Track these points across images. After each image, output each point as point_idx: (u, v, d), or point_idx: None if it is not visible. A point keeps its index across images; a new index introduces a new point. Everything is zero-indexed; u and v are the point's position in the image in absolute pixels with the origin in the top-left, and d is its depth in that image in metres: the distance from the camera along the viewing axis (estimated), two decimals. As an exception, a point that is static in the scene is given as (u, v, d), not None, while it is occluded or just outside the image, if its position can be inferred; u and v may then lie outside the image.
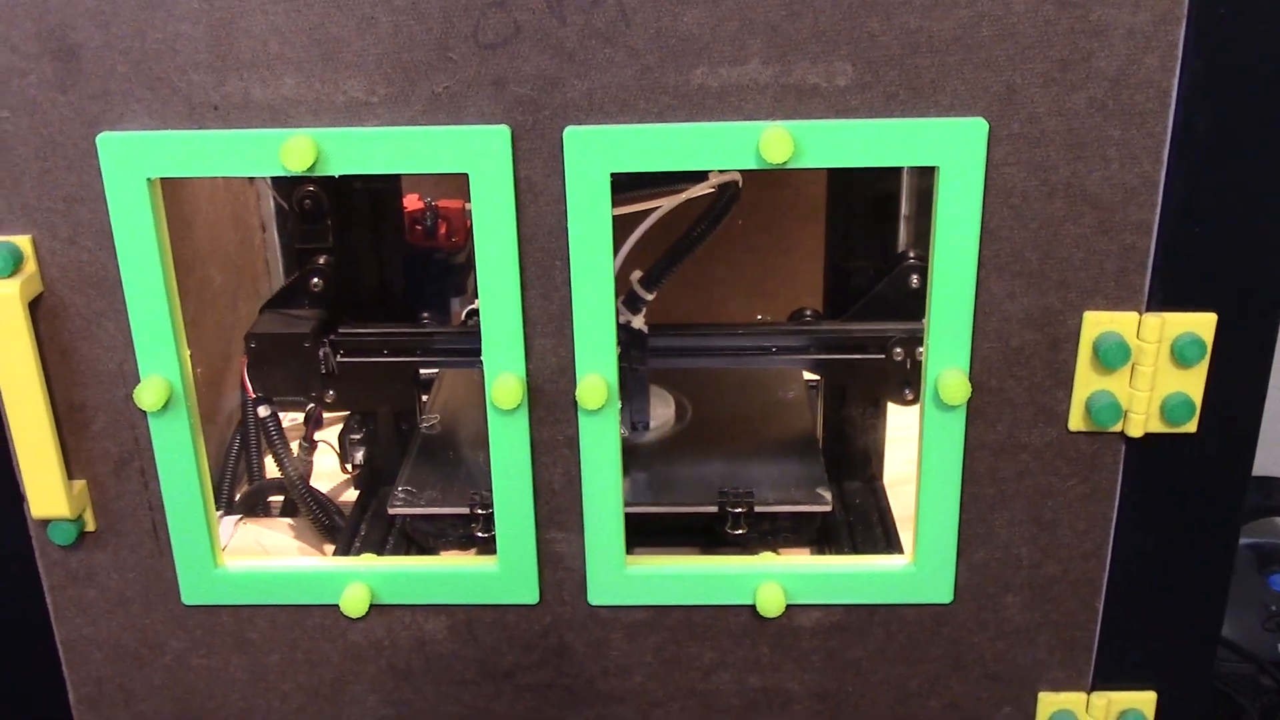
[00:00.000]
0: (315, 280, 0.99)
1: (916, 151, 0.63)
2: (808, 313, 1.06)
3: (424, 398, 1.05)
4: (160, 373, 0.68)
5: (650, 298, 0.86)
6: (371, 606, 0.74)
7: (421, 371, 1.00)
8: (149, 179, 0.65)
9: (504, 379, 0.68)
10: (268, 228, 1.25)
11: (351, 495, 1.03)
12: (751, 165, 0.63)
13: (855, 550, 0.91)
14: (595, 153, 0.64)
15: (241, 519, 1.06)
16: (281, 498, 1.08)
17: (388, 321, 1.01)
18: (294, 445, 1.05)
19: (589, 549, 0.73)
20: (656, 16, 0.61)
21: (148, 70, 0.63)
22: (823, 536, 0.93)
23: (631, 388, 0.89)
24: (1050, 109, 0.62)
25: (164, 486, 0.71)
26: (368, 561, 0.77)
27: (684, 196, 0.82)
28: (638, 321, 0.87)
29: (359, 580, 0.73)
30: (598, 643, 0.76)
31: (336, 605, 0.73)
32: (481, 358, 0.68)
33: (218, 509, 1.02)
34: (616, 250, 0.83)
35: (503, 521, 0.72)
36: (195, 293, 1.08)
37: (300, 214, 1.00)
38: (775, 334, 0.98)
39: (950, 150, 0.63)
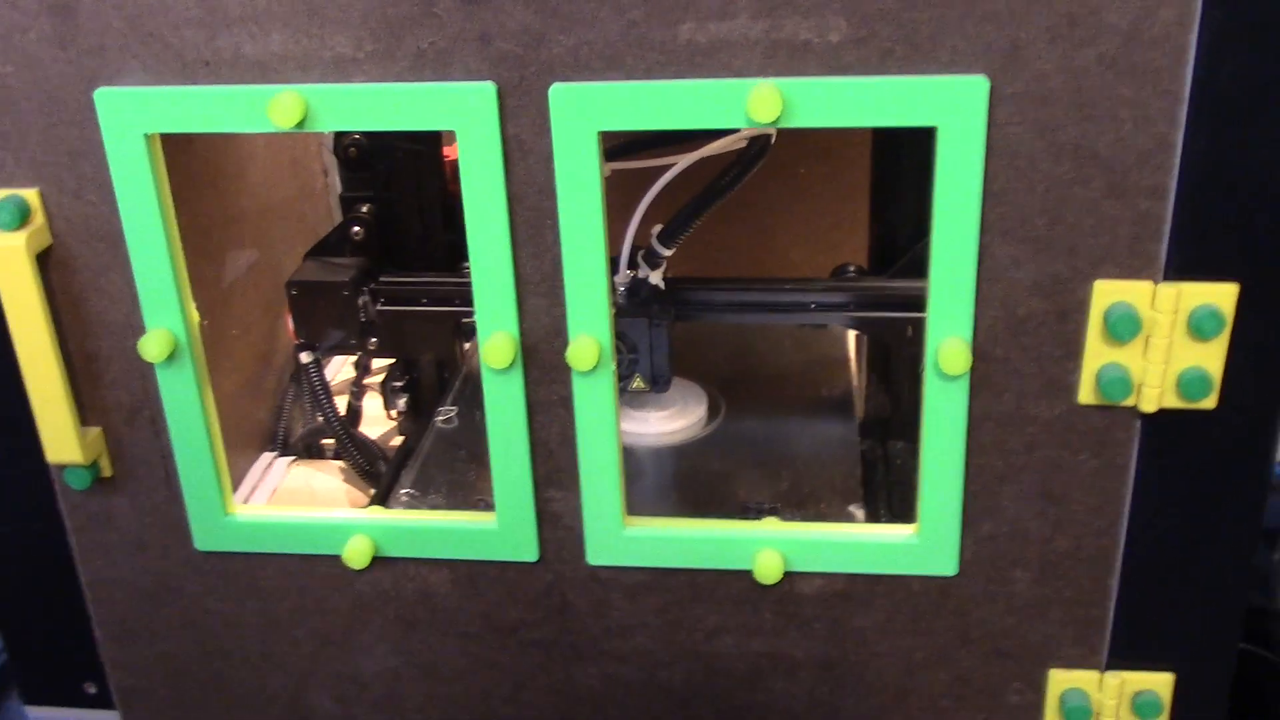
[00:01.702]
0: (356, 229, 1.00)
1: (914, 111, 0.61)
2: (851, 269, 1.04)
3: (465, 346, 1.06)
4: (164, 325, 0.70)
5: (668, 253, 0.85)
6: (376, 558, 0.75)
7: (465, 320, 0.99)
8: (146, 134, 0.65)
9: (496, 338, 0.68)
10: (329, 173, 1.27)
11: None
12: (741, 124, 0.61)
13: (894, 513, 0.88)
14: (582, 110, 0.62)
15: (295, 461, 1.08)
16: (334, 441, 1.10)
17: (429, 270, 1.02)
18: (346, 390, 1.08)
19: (585, 509, 0.72)
20: (642, -30, 0.60)
21: (141, 26, 0.64)
22: (865, 496, 0.90)
23: (654, 341, 0.88)
24: (1057, 66, 0.59)
25: (173, 435, 0.73)
26: (371, 514, 0.78)
27: (704, 152, 0.80)
28: (655, 277, 0.85)
29: (362, 533, 0.74)
30: (599, 602, 0.76)
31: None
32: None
33: (273, 450, 1.05)
34: (636, 206, 0.82)
35: (499, 480, 0.72)
36: (253, 242, 1.09)
37: (345, 162, 1.01)
38: (815, 290, 0.95)
39: (950, 110, 0.60)
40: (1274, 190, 0.60)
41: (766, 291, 0.92)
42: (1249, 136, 0.59)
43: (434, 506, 0.85)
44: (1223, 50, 0.58)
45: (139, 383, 0.73)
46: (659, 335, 0.87)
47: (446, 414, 0.98)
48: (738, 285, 0.93)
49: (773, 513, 0.82)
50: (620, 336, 0.85)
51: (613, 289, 0.86)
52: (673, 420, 0.95)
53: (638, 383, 0.87)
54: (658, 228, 0.85)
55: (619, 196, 0.89)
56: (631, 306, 0.87)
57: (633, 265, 0.86)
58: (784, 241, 1.17)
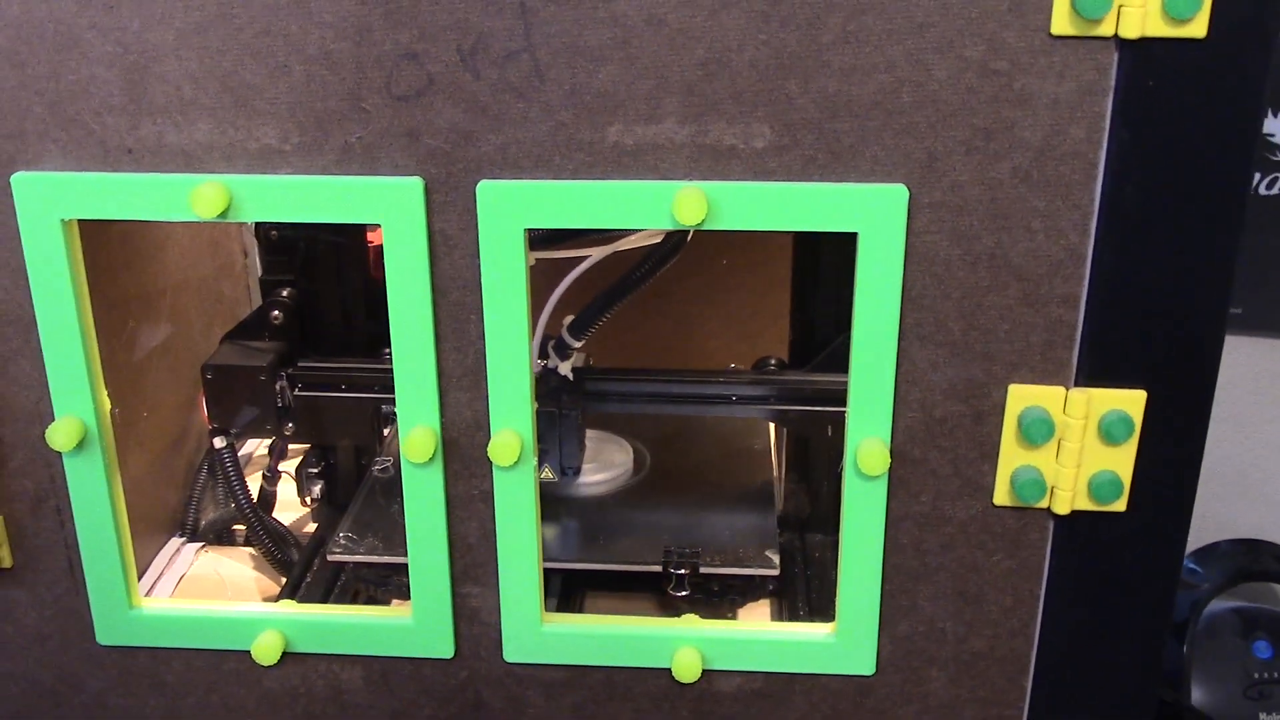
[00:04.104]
0: (276, 313, 0.99)
1: (836, 217, 0.62)
2: (772, 361, 1.05)
3: (385, 432, 1.05)
4: (74, 413, 0.68)
5: (578, 345, 0.85)
6: (287, 654, 0.73)
7: (385, 408, 0.99)
8: (63, 220, 0.64)
9: (417, 431, 0.67)
10: (250, 254, 1.25)
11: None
12: (666, 225, 0.62)
13: (811, 608, 0.89)
14: (509, 207, 0.63)
15: (203, 547, 1.05)
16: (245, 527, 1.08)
17: (349, 356, 1.01)
18: (259, 475, 1.05)
19: (504, 606, 0.71)
20: (571, 73, 0.60)
21: (62, 112, 0.63)
22: (781, 591, 0.91)
23: (562, 432, 0.88)
24: (973, 178, 0.61)
25: (79, 526, 0.71)
26: (282, 608, 0.76)
27: (619, 245, 0.81)
28: (565, 368, 0.85)
29: (272, 627, 0.73)
30: (515, 700, 0.74)
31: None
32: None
33: (182, 536, 1.02)
34: (548, 298, 0.83)
35: (417, 575, 0.71)
36: (167, 319, 1.08)
37: (266, 245, 1.00)
38: (735, 383, 0.96)
39: (870, 217, 0.62)
40: (1178, 301, 0.62)
41: (683, 383, 0.92)
42: (1155, 249, 0.61)
43: (371, 550, 0.86)
44: (1130, 167, 0.60)
45: (45, 471, 0.71)
46: (568, 426, 0.87)
47: (383, 463, 0.99)
48: (654, 376, 0.94)
49: (693, 557, 0.85)
50: None
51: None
52: (597, 472, 0.96)
53: (546, 473, 0.88)
54: (569, 319, 0.85)
55: (531, 285, 0.90)
56: (541, 397, 0.87)
57: (543, 355, 0.86)
58: (705, 332, 1.18)
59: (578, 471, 0.87)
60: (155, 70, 0.62)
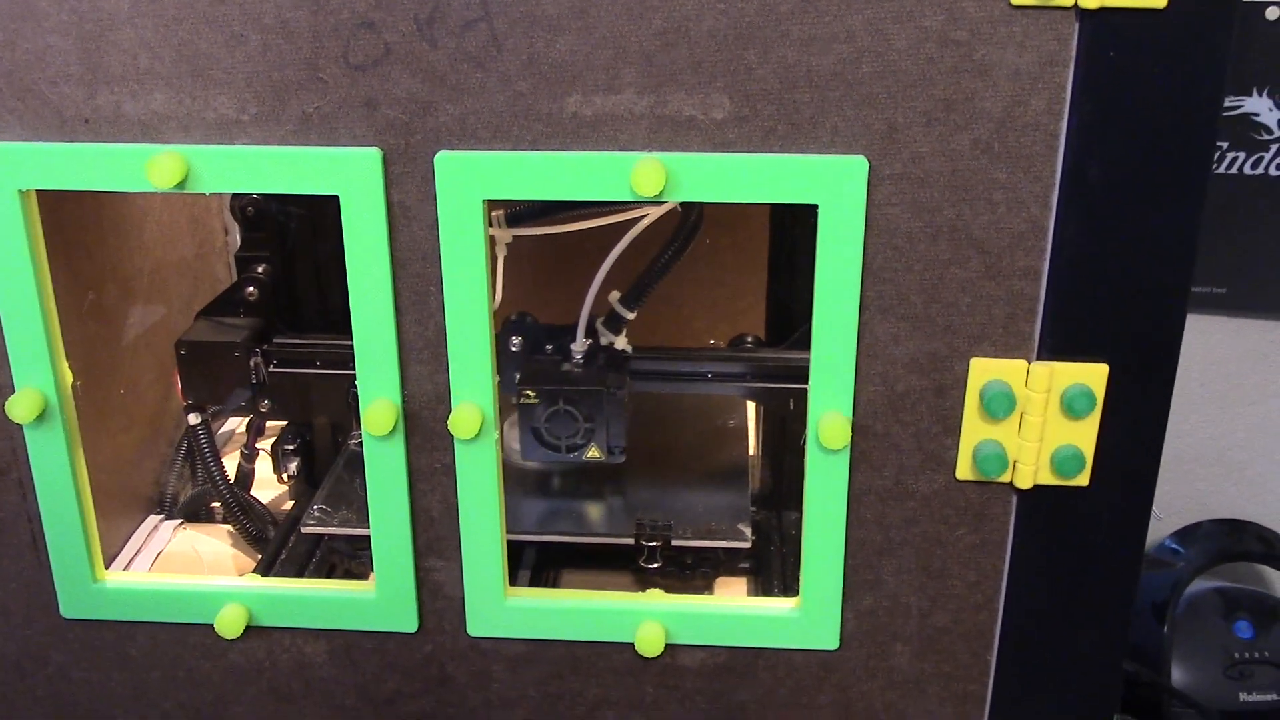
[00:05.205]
0: (251, 289, 0.99)
1: (795, 189, 0.62)
2: (749, 339, 1.05)
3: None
4: (34, 385, 0.68)
5: (632, 316, 0.85)
6: (251, 628, 0.73)
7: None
8: (20, 190, 0.64)
9: (377, 404, 0.67)
10: (230, 232, 1.25)
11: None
12: (625, 196, 0.62)
13: (786, 585, 0.89)
14: (467, 178, 0.62)
15: (181, 524, 1.05)
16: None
17: (325, 333, 1.00)
18: (237, 453, 1.05)
19: (467, 579, 0.71)
20: (529, 43, 0.60)
21: (18, 81, 0.63)
22: (756, 568, 0.91)
23: (609, 411, 0.87)
24: (934, 149, 0.61)
25: (41, 498, 0.71)
26: (246, 582, 0.76)
27: (651, 218, 0.81)
28: (620, 341, 0.85)
29: (236, 601, 0.72)
30: (479, 673, 0.74)
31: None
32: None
33: (160, 513, 1.02)
34: (595, 273, 0.83)
35: (380, 548, 0.71)
36: (145, 298, 1.07)
37: (242, 222, 1.00)
38: (711, 360, 0.96)
39: (830, 189, 0.61)
40: (1140, 274, 0.62)
41: (661, 360, 0.92)
42: (1117, 221, 0.61)
43: (345, 523, 0.86)
44: (1091, 138, 0.60)
45: (7, 443, 0.70)
46: (614, 405, 0.86)
47: (359, 438, 0.98)
48: (645, 355, 0.94)
49: (666, 530, 0.85)
50: (574, 405, 0.85)
51: (523, 355, 0.87)
52: None
53: (594, 452, 0.87)
54: (615, 293, 0.85)
55: (554, 263, 0.90)
56: (588, 377, 0.86)
57: (588, 334, 0.87)
58: (686, 312, 1.18)
59: (623, 451, 0.86)
60: (110, 39, 0.61)
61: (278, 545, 0.95)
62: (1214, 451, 1.31)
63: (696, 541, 0.86)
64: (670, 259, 0.86)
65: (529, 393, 0.84)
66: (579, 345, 0.86)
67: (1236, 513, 1.31)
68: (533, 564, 0.87)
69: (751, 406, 1.08)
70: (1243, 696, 1.16)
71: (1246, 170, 1.19)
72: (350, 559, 0.90)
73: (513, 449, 0.94)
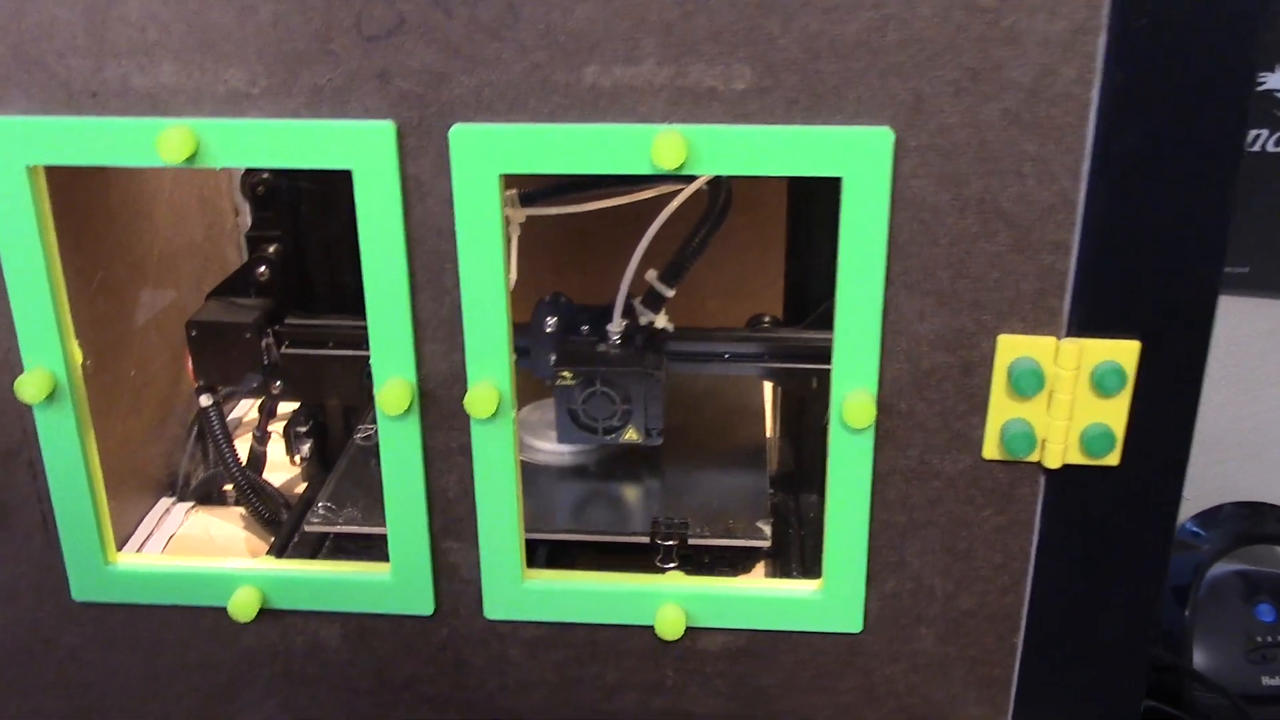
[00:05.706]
0: (262, 269, 0.97)
1: (819, 161, 0.60)
2: (766, 319, 1.03)
3: (375, 391, 1.03)
4: (44, 365, 0.67)
5: (671, 294, 0.83)
6: (265, 611, 0.72)
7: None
8: (28, 165, 0.63)
9: (392, 383, 0.66)
10: (241, 212, 1.24)
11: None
12: (645, 170, 0.60)
13: (805, 568, 0.87)
14: (483, 152, 0.61)
15: (194, 507, 1.04)
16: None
17: (337, 313, 0.99)
18: (250, 435, 1.04)
19: (484, 561, 0.70)
20: (546, 11, 0.59)
21: (25, 54, 0.61)
22: (774, 550, 0.89)
23: (648, 393, 0.84)
24: (961, 120, 0.59)
25: (51, 479, 0.70)
26: (259, 564, 0.75)
27: (687, 193, 0.79)
28: (661, 320, 0.83)
29: (249, 583, 0.71)
30: (496, 657, 0.73)
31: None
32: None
33: (173, 496, 1.01)
34: (616, 256, 0.81)
35: (395, 530, 0.70)
36: (155, 280, 1.06)
37: (253, 201, 0.99)
38: (728, 340, 0.94)
39: (854, 161, 0.60)
40: (1173, 249, 0.60)
41: (696, 341, 0.90)
42: (1149, 194, 0.59)
43: (350, 521, 0.84)
44: (1123, 109, 0.58)
45: (17, 424, 0.69)
46: (653, 386, 0.84)
47: (366, 431, 0.97)
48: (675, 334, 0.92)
49: (682, 528, 0.82)
50: (611, 385, 0.83)
51: (539, 335, 0.85)
52: None
53: (631, 434, 0.85)
54: (653, 271, 0.83)
55: (576, 246, 0.89)
56: (627, 358, 0.84)
57: (626, 314, 0.85)
58: (703, 292, 1.16)
59: (661, 433, 0.85)
60: (117, 11, 0.60)
61: (290, 530, 0.94)
62: (1235, 433, 1.29)
63: (714, 540, 0.84)
64: (709, 231, 0.84)
65: (566, 374, 0.82)
66: (615, 325, 0.84)
67: (1258, 495, 1.29)
68: (543, 562, 0.85)
69: (768, 387, 1.06)
70: (1265, 680, 1.15)
71: (1270, 148, 1.18)
72: (358, 557, 0.89)
73: (527, 443, 0.92)
